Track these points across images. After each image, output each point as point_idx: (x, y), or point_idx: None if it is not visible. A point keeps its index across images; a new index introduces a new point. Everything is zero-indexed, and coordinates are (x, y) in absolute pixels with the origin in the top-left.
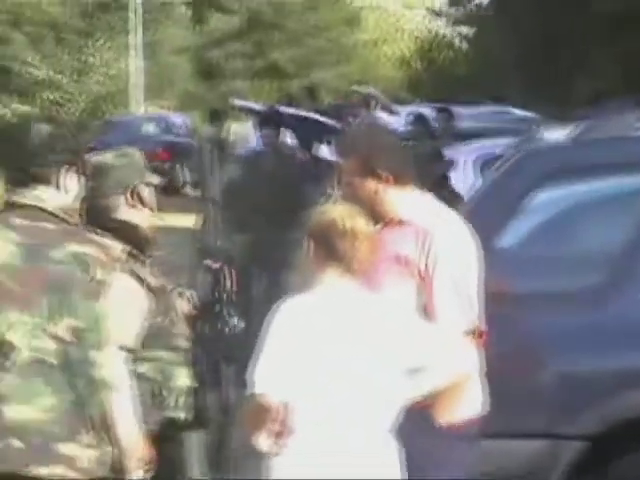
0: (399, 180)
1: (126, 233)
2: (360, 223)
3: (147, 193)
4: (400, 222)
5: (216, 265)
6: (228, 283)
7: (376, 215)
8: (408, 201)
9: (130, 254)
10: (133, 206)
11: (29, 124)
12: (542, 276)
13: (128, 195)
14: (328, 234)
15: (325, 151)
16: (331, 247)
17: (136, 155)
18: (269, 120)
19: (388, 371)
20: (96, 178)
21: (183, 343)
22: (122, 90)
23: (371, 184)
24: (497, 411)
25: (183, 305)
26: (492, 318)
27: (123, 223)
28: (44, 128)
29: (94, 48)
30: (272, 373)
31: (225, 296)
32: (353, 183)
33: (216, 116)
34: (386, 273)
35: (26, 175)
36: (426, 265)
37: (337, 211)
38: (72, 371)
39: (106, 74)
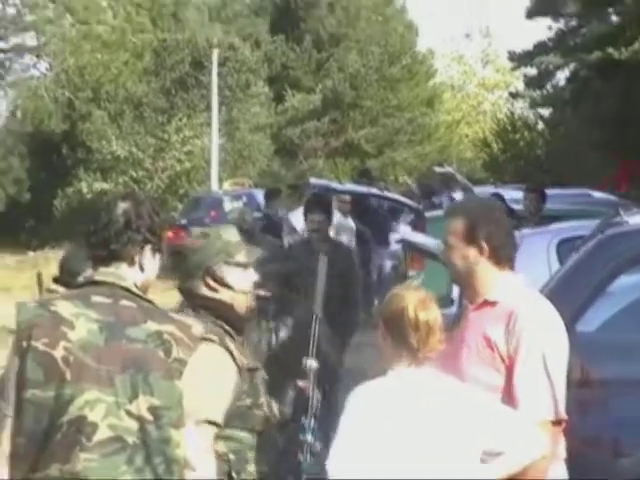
0: (498, 258)
1: (215, 312)
2: (433, 314)
3: (232, 274)
4: (491, 303)
5: (303, 384)
6: (314, 406)
7: (470, 291)
8: (502, 282)
9: (225, 331)
10: (213, 289)
11: (111, 202)
12: (624, 361)
13: (207, 278)
14: (400, 323)
15: (405, 231)
16: (402, 336)
17: (216, 235)
18: (318, 204)
19: (461, 456)
20: (175, 261)
21: (260, 427)
22: (200, 167)
23: (471, 252)
24: None
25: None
26: (574, 403)
27: (210, 301)
28: (125, 206)
29: (173, 125)
30: (346, 459)
31: (308, 421)
32: (453, 246)
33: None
34: (474, 354)
35: (107, 252)
36: (512, 348)
37: (411, 299)
38: (150, 450)
39: (185, 151)
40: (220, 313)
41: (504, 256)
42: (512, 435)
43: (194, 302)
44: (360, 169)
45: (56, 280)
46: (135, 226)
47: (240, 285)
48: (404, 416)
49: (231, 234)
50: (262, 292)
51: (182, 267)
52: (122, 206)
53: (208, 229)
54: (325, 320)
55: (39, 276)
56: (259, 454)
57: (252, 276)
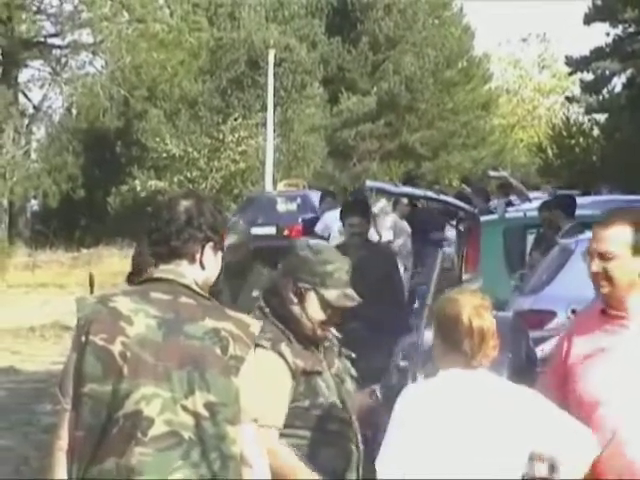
0: None
1: (281, 320)
2: (487, 321)
3: (312, 298)
4: None
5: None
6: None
7: (619, 304)
8: None
9: (285, 335)
10: (295, 304)
11: (173, 199)
12: None
13: (290, 293)
14: (454, 328)
15: (452, 235)
16: (456, 342)
17: (301, 249)
18: (355, 207)
19: (508, 458)
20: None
21: (334, 426)
22: (254, 167)
23: (635, 263)
24: None
25: (366, 400)
26: None
27: (281, 310)
28: (187, 203)
29: (229, 125)
30: (395, 460)
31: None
32: (617, 255)
33: None
34: None
35: (168, 249)
36: None
37: (465, 305)
38: (206, 446)
39: (239, 151)
40: (286, 323)
41: None
42: (565, 440)
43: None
44: (404, 175)
45: (130, 276)
46: (197, 223)
47: (300, 309)
48: (452, 417)
49: (317, 258)
50: (331, 332)
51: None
52: (184, 204)
53: (308, 243)
54: (367, 326)
55: (91, 277)
56: (336, 451)
57: (322, 312)
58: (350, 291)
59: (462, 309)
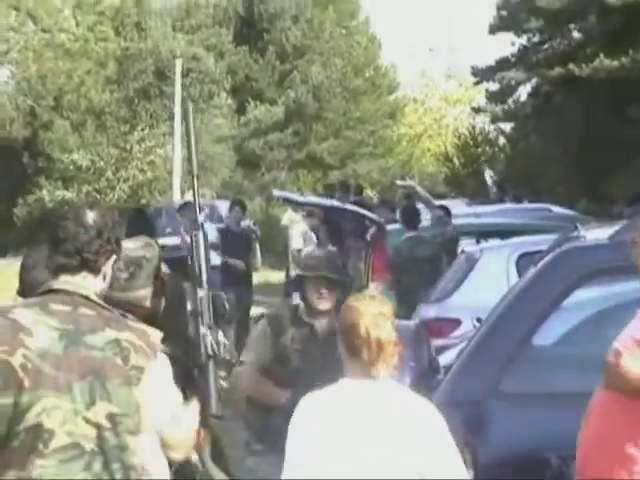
0: None
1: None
2: (385, 330)
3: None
4: None
5: None
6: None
7: None
8: None
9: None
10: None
11: (79, 210)
12: (578, 375)
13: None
14: (353, 337)
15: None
16: (355, 351)
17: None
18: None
19: (395, 470)
20: (130, 270)
21: None
22: (162, 178)
23: None
24: None
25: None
26: None
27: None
28: (94, 215)
29: (136, 135)
30: (298, 473)
31: None
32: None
33: None
34: None
35: (79, 261)
36: None
37: (363, 314)
38: (108, 456)
39: (147, 161)
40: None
41: None
42: (441, 466)
43: (137, 311)
44: (340, 181)
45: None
46: (106, 236)
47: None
48: (345, 430)
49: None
50: None
51: (139, 277)
52: (91, 215)
53: (148, 239)
54: None
55: None
56: None
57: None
58: (144, 237)
59: (360, 318)
